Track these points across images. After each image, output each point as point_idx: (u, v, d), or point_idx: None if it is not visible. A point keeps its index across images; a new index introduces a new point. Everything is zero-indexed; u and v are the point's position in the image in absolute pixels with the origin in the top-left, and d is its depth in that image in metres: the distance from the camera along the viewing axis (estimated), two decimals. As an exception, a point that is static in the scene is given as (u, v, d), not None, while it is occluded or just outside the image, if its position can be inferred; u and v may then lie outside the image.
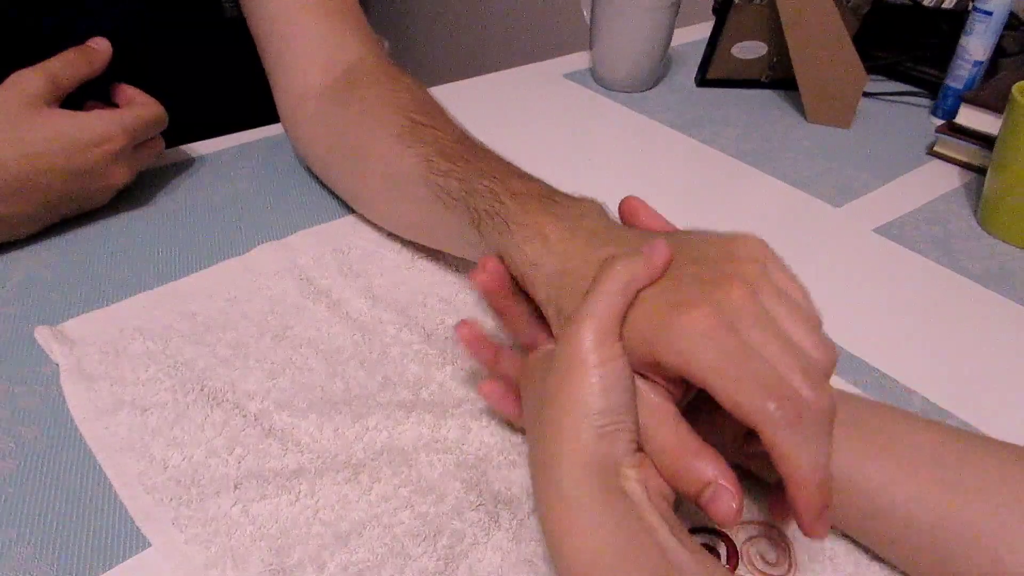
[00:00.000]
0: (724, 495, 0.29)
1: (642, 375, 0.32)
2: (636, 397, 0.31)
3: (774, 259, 0.32)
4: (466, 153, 0.44)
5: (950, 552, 0.33)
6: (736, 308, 0.29)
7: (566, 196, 0.40)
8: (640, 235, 0.36)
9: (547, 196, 0.39)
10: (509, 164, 0.44)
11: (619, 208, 0.39)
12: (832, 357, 0.30)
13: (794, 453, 0.28)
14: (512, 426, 0.41)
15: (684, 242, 0.34)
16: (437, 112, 0.50)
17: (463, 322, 0.39)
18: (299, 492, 0.37)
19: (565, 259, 0.35)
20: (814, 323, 0.31)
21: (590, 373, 0.30)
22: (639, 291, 0.32)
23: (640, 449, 0.31)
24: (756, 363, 0.28)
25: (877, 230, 0.62)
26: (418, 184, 0.45)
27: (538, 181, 0.41)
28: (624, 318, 0.32)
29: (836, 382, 0.46)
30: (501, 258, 0.38)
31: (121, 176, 0.53)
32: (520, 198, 0.39)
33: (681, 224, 0.38)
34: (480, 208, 0.40)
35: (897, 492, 0.34)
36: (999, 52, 0.77)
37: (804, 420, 0.28)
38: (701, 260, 0.32)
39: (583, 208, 0.38)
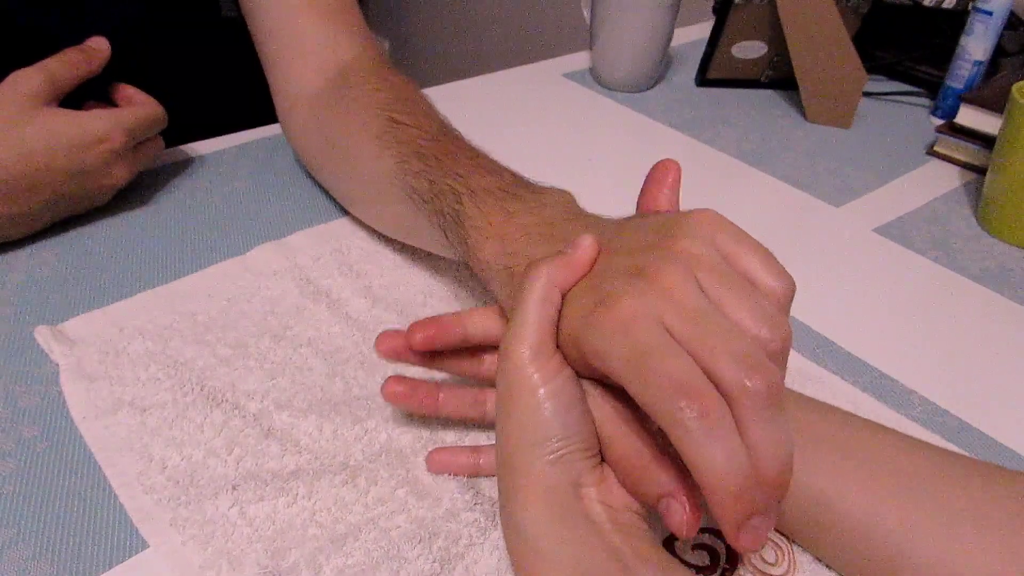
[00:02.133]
0: (675, 508, 0.28)
1: (595, 380, 0.30)
2: (590, 406, 0.30)
3: (726, 230, 0.29)
4: (439, 152, 0.43)
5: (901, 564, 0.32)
6: (663, 296, 0.27)
7: (530, 188, 0.38)
8: (590, 228, 0.33)
9: (508, 191, 0.38)
10: (479, 159, 0.42)
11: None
12: (782, 334, 0.27)
13: (703, 457, 0.25)
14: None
15: (622, 231, 0.32)
16: (418, 109, 0.49)
17: (388, 380, 0.38)
18: (296, 494, 0.37)
19: (514, 259, 0.34)
20: (771, 298, 0.28)
21: (535, 394, 0.29)
22: (565, 293, 0.30)
23: (603, 460, 0.30)
24: (671, 356, 0.26)
25: (877, 230, 0.62)
26: (396, 186, 0.45)
27: (504, 174, 0.40)
28: (557, 323, 0.30)
29: (837, 382, 0.46)
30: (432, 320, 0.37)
31: (120, 176, 0.53)
32: (478, 196, 0.38)
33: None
34: (445, 211, 0.39)
35: (854, 502, 0.33)
36: (999, 52, 0.77)
37: (717, 416, 0.25)
38: (636, 248, 0.30)
39: (544, 199, 0.37)
